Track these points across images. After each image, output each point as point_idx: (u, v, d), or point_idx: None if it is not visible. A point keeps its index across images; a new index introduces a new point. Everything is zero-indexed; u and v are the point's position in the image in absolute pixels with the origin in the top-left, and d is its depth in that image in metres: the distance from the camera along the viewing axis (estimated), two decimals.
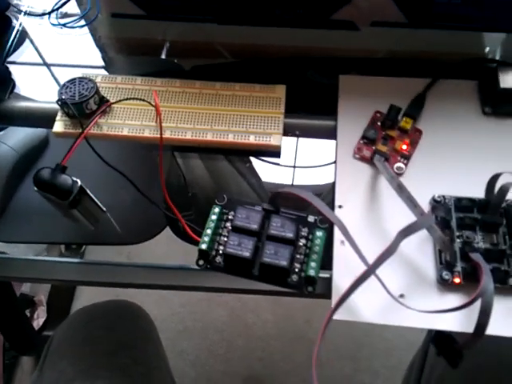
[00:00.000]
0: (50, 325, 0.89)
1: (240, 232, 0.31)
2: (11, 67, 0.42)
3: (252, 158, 0.40)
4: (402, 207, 0.30)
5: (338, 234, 0.31)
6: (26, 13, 0.45)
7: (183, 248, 0.35)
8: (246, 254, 0.30)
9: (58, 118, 0.36)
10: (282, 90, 0.37)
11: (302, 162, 0.38)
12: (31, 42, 0.45)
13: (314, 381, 0.26)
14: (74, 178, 0.30)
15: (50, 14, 0.44)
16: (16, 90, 0.41)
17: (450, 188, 0.32)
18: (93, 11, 0.43)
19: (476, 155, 0.34)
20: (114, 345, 0.47)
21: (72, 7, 0.45)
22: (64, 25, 0.43)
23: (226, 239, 0.31)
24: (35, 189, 0.30)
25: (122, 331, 0.49)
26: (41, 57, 0.44)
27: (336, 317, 0.28)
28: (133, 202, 0.39)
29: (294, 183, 0.38)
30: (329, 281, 0.30)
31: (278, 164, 0.38)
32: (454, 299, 0.29)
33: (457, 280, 0.29)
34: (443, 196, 0.31)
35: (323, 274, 0.31)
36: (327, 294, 0.30)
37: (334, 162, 0.35)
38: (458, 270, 0.29)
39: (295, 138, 0.39)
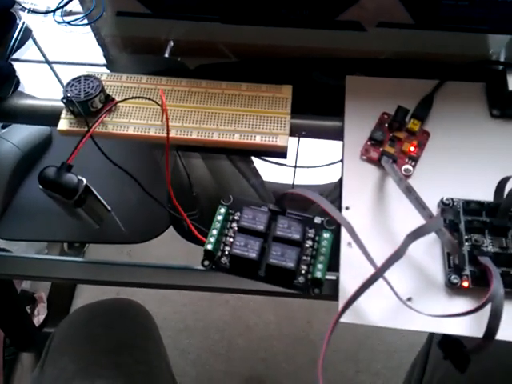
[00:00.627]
0: (50, 321, 0.90)
1: (246, 233, 0.30)
2: (15, 64, 0.42)
3: (253, 158, 0.40)
4: (409, 209, 0.29)
5: (345, 236, 0.31)
6: (30, 10, 0.45)
7: (185, 247, 0.35)
8: (253, 255, 0.29)
9: (62, 116, 0.36)
10: (289, 91, 0.37)
11: (303, 161, 0.38)
12: (34, 40, 0.44)
13: None
14: (80, 177, 0.29)
15: (54, 11, 0.44)
16: (20, 88, 0.41)
17: (458, 191, 0.32)
18: (97, 10, 0.43)
19: (484, 158, 0.33)
20: (115, 343, 0.47)
21: (76, 5, 0.45)
22: (68, 23, 0.42)
23: (231, 240, 0.31)
24: (40, 187, 0.30)
25: (123, 330, 0.49)
26: (43, 55, 0.44)
27: (343, 319, 0.28)
28: (136, 201, 0.39)
29: (296, 183, 0.38)
30: (335, 283, 0.30)
31: (279, 164, 0.38)
32: (463, 303, 0.28)
33: (465, 284, 0.28)
34: (452, 199, 0.31)
35: (329, 276, 0.30)
36: (334, 296, 0.30)
37: (341, 162, 0.34)
38: (466, 274, 0.29)
39: (297, 138, 0.39)
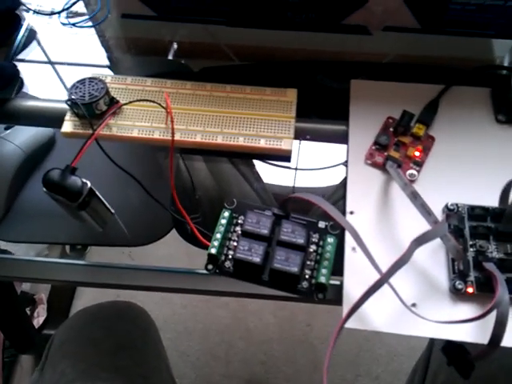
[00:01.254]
0: (50, 323, 0.89)
1: (250, 237, 0.30)
2: (19, 65, 0.41)
3: (259, 162, 0.40)
4: (414, 215, 0.29)
5: (349, 241, 0.31)
6: (35, 11, 0.45)
7: (186, 249, 0.34)
8: (257, 259, 0.29)
9: (66, 118, 0.35)
10: (294, 94, 0.37)
11: (305, 163, 0.38)
12: (38, 42, 0.44)
13: None
14: (84, 180, 0.29)
15: (59, 13, 0.44)
16: (24, 89, 0.41)
17: (463, 196, 0.31)
18: (102, 12, 0.43)
19: (489, 163, 0.33)
20: (115, 346, 0.47)
21: (81, 7, 0.45)
22: (74, 24, 0.42)
23: (235, 244, 0.31)
24: (44, 190, 0.30)
25: (123, 332, 0.49)
26: (47, 56, 0.44)
27: (347, 325, 0.28)
28: (139, 203, 0.39)
29: (297, 185, 0.38)
30: (339, 288, 0.30)
31: (281, 166, 0.38)
32: (467, 309, 0.28)
33: (470, 290, 0.28)
34: (456, 204, 0.31)
35: (333, 281, 0.30)
36: (337, 301, 0.30)
37: (343, 165, 0.34)
38: (471, 280, 0.28)
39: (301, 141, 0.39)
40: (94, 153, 0.34)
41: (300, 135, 0.36)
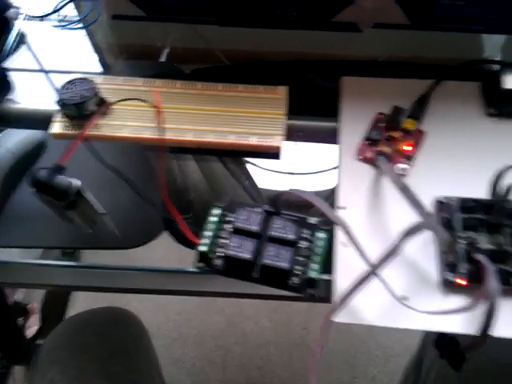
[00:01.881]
0: (43, 333, 0.88)
1: (241, 234, 0.30)
2: (9, 69, 0.41)
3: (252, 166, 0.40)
4: (405, 208, 0.29)
5: (340, 236, 0.31)
6: (25, 15, 0.45)
7: (180, 253, 0.34)
8: (247, 255, 0.29)
9: (55, 119, 0.35)
10: (285, 91, 0.37)
11: (299, 168, 0.38)
12: (28, 46, 0.44)
13: None
14: (71, 179, 0.29)
15: (49, 15, 0.44)
16: (13, 93, 0.40)
17: (453, 189, 0.32)
18: (93, 14, 0.43)
19: (480, 156, 0.34)
20: (106, 352, 0.46)
21: (72, 10, 0.45)
22: (64, 26, 0.42)
23: (226, 241, 0.30)
24: (31, 189, 0.30)
25: (114, 338, 0.48)
26: (37, 61, 0.44)
27: (337, 319, 0.28)
28: (131, 205, 0.39)
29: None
30: (330, 284, 0.30)
31: (275, 171, 0.38)
32: (458, 301, 0.28)
33: (461, 281, 0.28)
34: (447, 197, 0.31)
35: (325, 277, 0.30)
36: (329, 298, 0.29)
37: (337, 167, 0.34)
38: (462, 272, 0.28)
39: (294, 145, 0.39)
40: (87, 154, 0.34)
41: (291, 132, 0.36)
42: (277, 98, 0.36)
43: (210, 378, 0.87)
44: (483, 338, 0.25)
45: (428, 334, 0.49)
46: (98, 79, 0.36)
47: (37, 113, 0.38)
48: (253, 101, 0.36)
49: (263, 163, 0.39)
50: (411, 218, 0.29)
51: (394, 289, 0.28)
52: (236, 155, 0.38)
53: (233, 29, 0.42)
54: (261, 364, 0.88)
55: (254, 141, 0.35)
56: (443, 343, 0.29)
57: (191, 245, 0.31)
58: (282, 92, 0.37)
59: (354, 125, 0.35)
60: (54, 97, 0.35)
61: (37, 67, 0.43)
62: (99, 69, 0.45)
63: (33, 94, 0.41)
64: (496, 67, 0.36)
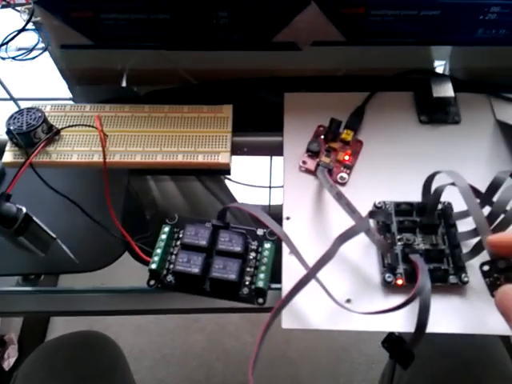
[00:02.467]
0: (21, 364, 0.87)
1: (189, 249, 0.31)
2: None
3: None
4: (343, 215, 0.31)
5: (285, 245, 0.32)
6: None
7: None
8: (195, 270, 0.30)
9: (7, 148, 0.36)
10: (229, 110, 0.38)
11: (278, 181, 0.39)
12: None
13: None
14: (19, 206, 0.30)
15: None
16: None
17: (391, 194, 0.33)
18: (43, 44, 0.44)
19: (414, 161, 0.35)
20: (79, 376, 0.46)
21: (23, 41, 0.46)
22: (14, 58, 0.43)
23: (176, 257, 0.31)
24: None
25: (87, 362, 0.48)
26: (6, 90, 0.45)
27: (284, 326, 0.29)
28: (91, 228, 0.39)
29: (273, 203, 0.39)
30: (280, 291, 0.31)
31: (252, 185, 0.39)
32: (399, 300, 0.29)
33: (399, 281, 0.30)
34: (384, 202, 0.32)
35: (276, 286, 0.31)
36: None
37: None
38: (400, 272, 0.30)
39: (268, 158, 0.40)
40: (50, 180, 0.35)
41: (237, 148, 0.38)
42: (223, 117, 0.38)
43: None
44: (420, 333, 0.27)
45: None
46: (47, 107, 0.37)
47: None
48: (200, 120, 0.38)
49: (241, 179, 0.40)
50: (350, 223, 0.30)
51: (337, 293, 0.29)
52: (187, 173, 0.39)
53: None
54: (244, 380, 0.88)
55: (201, 159, 0.36)
56: (390, 343, 0.30)
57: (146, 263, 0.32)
58: (227, 110, 0.38)
59: (297, 138, 0.37)
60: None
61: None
62: (55, 96, 0.45)
63: None
64: (426, 76, 0.38)
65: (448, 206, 0.32)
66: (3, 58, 0.44)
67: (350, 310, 0.28)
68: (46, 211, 0.36)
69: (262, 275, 0.30)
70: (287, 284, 0.31)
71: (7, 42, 0.44)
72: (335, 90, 0.40)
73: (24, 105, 0.42)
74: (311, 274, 0.26)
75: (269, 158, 0.40)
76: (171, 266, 0.31)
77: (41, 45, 0.47)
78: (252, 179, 0.40)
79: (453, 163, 0.35)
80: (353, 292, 0.30)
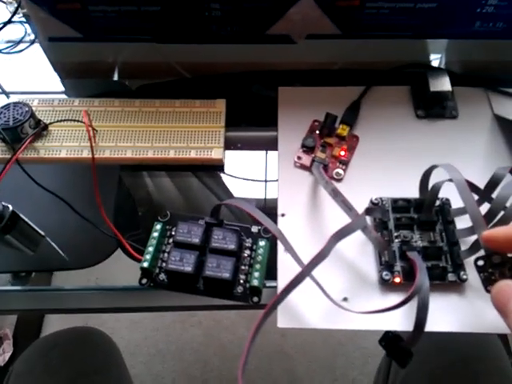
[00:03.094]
0: (16, 359, 0.86)
1: (182, 247, 0.30)
2: None
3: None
4: (339, 212, 0.30)
5: (280, 242, 0.31)
6: None
7: None
8: (188, 268, 0.29)
9: None
10: (222, 104, 0.37)
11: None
12: None
13: None
14: (5, 203, 0.29)
15: None
16: None
17: (387, 190, 0.33)
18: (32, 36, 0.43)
19: (411, 157, 0.35)
20: (74, 373, 0.46)
21: (12, 34, 0.45)
22: (0, 51, 0.42)
23: (168, 255, 0.31)
24: None
25: (83, 358, 0.48)
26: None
27: (280, 325, 0.28)
28: (83, 224, 0.38)
29: (268, 197, 0.38)
30: (276, 288, 0.30)
31: (248, 179, 0.38)
32: (396, 298, 0.29)
33: (397, 279, 0.29)
34: (380, 198, 0.32)
35: (270, 283, 0.31)
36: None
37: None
38: (397, 270, 0.29)
39: (263, 153, 0.39)
40: (43, 177, 0.34)
41: (231, 144, 0.37)
42: (216, 112, 0.37)
43: None
44: (419, 332, 0.26)
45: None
46: (34, 102, 0.36)
47: None
48: (192, 115, 0.37)
49: (237, 172, 0.40)
50: (347, 221, 0.29)
51: (334, 291, 0.28)
52: (180, 169, 0.38)
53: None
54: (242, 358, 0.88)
55: (193, 154, 0.35)
56: (387, 341, 0.29)
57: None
58: (220, 105, 0.37)
59: (292, 133, 0.36)
60: None
61: None
62: (45, 89, 0.44)
63: None
64: (423, 70, 0.38)
65: (446, 203, 0.31)
66: None
67: (346, 310, 0.27)
68: (35, 208, 0.35)
69: (256, 273, 0.30)
70: (283, 282, 0.30)
71: None
72: (330, 84, 0.39)
73: (14, 99, 0.42)
74: (305, 273, 0.25)
75: (264, 151, 0.40)
76: (163, 265, 0.31)
77: (30, 37, 0.46)
78: (247, 173, 0.39)
79: (450, 158, 0.34)
80: (349, 290, 0.29)
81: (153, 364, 0.90)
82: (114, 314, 0.95)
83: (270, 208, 0.36)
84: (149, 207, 0.41)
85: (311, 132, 0.36)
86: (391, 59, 0.41)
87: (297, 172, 0.34)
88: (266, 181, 0.38)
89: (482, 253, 0.27)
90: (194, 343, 0.91)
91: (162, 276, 0.31)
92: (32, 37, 0.46)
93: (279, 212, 0.33)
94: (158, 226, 0.32)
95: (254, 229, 0.32)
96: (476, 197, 0.29)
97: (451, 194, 0.31)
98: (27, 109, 0.34)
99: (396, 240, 0.30)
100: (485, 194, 0.29)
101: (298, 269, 0.28)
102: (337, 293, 0.29)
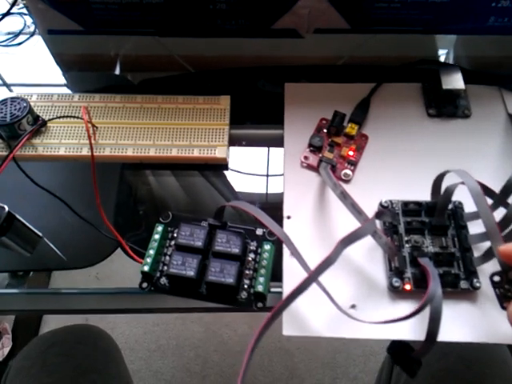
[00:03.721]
0: (15, 354, 0.86)
1: (184, 250, 0.29)
2: None
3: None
4: (348, 215, 0.29)
5: (286, 246, 0.30)
6: None
7: None
8: (191, 273, 0.28)
9: None
10: (227, 101, 0.36)
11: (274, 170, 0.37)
12: None
13: None
14: (0, 204, 0.28)
15: None
16: None
17: (397, 192, 0.31)
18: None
19: (422, 157, 0.33)
20: (73, 371, 0.45)
21: (11, 25, 0.44)
22: None
23: (170, 258, 0.30)
24: None
25: (81, 356, 0.47)
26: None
27: (285, 332, 0.27)
28: (82, 223, 0.37)
29: (269, 192, 0.37)
30: (281, 294, 0.29)
31: (250, 173, 0.37)
32: (406, 306, 0.28)
33: (407, 287, 0.28)
34: (390, 201, 0.30)
35: (275, 289, 0.30)
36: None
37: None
38: (408, 276, 0.28)
39: (266, 148, 0.38)
40: (44, 176, 0.33)
41: (235, 142, 0.36)
42: (220, 108, 0.36)
43: None
44: (431, 343, 0.25)
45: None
46: (32, 97, 0.35)
47: None
48: (195, 112, 0.36)
49: (240, 167, 0.39)
50: (356, 224, 0.28)
51: (342, 298, 0.27)
52: (183, 168, 0.37)
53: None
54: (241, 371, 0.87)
55: (197, 153, 0.34)
56: (396, 350, 0.28)
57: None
58: (224, 102, 0.36)
59: (298, 132, 0.34)
60: None
61: None
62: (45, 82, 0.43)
63: None
64: (436, 67, 0.36)
65: (459, 206, 0.30)
66: None
67: (355, 319, 0.26)
68: (32, 207, 0.34)
69: (261, 279, 0.29)
70: (288, 287, 0.29)
71: None
72: (338, 80, 0.38)
73: (14, 90, 0.40)
74: (311, 279, 0.24)
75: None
76: (165, 268, 0.30)
77: (30, 30, 0.44)
78: (249, 167, 0.38)
79: (463, 159, 0.33)
80: (358, 297, 0.28)
81: (153, 360, 0.89)
82: None
83: (272, 203, 0.35)
84: (149, 205, 0.40)
85: (318, 131, 0.35)
86: (397, 53, 0.40)
87: (303, 172, 0.33)
88: (267, 175, 0.37)
89: (495, 261, 0.26)
90: (195, 339, 0.91)
91: (164, 280, 0.30)
92: (32, 29, 0.44)
93: (285, 214, 0.32)
94: (160, 228, 0.31)
95: (259, 231, 0.31)
96: (490, 201, 0.28)
97: (463, 197, 0.29)
98: (25, 104, 0.33)
99: (406, 245, 0.29)
100: (500, 198, 0.28)
101: (303, 274, 0.27)
102: (344, 299, 0.28)
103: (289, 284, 0.29)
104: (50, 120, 0.34)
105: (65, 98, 0.36)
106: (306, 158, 0.33)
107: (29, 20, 0.45)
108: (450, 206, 0.30)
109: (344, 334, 0.27)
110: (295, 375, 0.88)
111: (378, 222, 0.30)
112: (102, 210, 0.31)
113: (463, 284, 0.28)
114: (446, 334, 0.27)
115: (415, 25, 0.38)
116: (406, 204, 0.30)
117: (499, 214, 0.27)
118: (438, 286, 0.25)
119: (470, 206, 0.29)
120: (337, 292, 0.27)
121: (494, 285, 0.23)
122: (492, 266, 0.28)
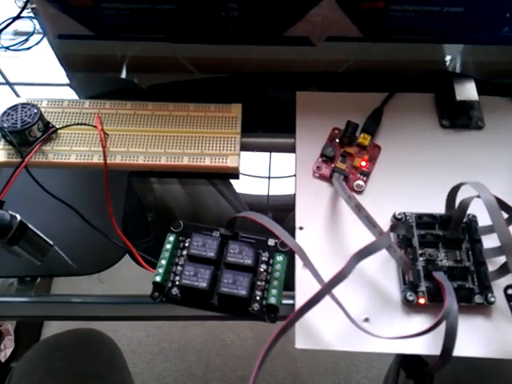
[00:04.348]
0: (18, 355, 0.86)
1: (196, 261, 0.29)
2: None
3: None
4: (362, 227, 0.29)
5: (299, 258, 0.30)
6: None
7: None
8: (203, 284, 0.28)
9: (0, 146, 0.34)
10: (238, 109, 0.36)
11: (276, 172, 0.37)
12: None
13: None
14: (13, 213, 0.28)
15: None
16: None
17: (411, 204, 0.31)
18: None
19: (435, 169, 0.33)
20: (76, 376, 0.45)
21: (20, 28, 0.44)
22: (8, 48, 0.40)
23: (181, 269, 0.29)
24: None
25: (85, 361, 0.47)
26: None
27: (298, 346, 0.27)
28: (91, 230, 0.37)
29: (271, 194, 0.37)
30: (293, 306, 0.29)
31: (253, 175, 0.37)
32: (421, 320, 0.28)
33: (422, 301, 0.28)
34: (404, 213, 0.30)
35: (287, 301, 0.29)
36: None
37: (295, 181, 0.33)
38: (422, 290, 0.28)
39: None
40: (51, 181, 0.32)
41: (246, 150, 0.35)
42: (231, 117, 0.36)
43: None
44: (446, 359, 0.25)
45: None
46: (43, 103, 0.35)
47: None
48: (207, 120, 0.35)
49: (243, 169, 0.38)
50: (369, 237, 0.28)
51: (355, 311, 0.27)
52: (193, 176, 0.37)
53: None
54: (243, 374, 0.87)
55: (208, 162, 0.34)
56: (409, 363, 0.28)
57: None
58: (236, 110, 0.36)
59: (310, 141, 0.34)
60: None
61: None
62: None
63: None
64: (449, 78, 0.36)
65: (473, 220, 0.30)
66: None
67: (370, 334, 0.26)
68: (43, 214, 0.34)
69: (274, 291, 0.28)
70: (301, 298, 0.29)
71: (0, 31, 0.41)
72: (348, 87, 0.38)
73: (21, 91, 0.40)
74: (324, 292, 0.24)
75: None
76: (176, 278, 0.29)
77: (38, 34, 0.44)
78: (255, 170, 0.37)
79: (476, 172, 0.33)
80: (371, 311, 0.28)
81: (155, 363, 0.89)
82: None
83: (277, 205, 0.35)
84: (158, 213, 0.40)
85: (331, 140, 0.34)
86: (414, 64, 0.40)
87: (315, 182, 0.33)
88: (269, 177, 0.37)
89: (511, 276, 0.26)
90: (197, 343, 0.90)
91: (175, 291, 0.29)
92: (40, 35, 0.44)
93: (297, 225, 0.31)
94: (172, 238, 0.30)
95: (271, 242, 0.31)
96: (505, 215, 0.28)
97: (478, 210, 0.29)
98: (36, 110, 0.33)
99: (420, 258, 0.29)
100: None
101: (316, 286, 0.27)
102: (358, 313, 0.28)
103: (301, 295, 0.29)
104: (60, 128, 0.34)
105: (75, 104, 0.36)
106: (318, 168, 0.33)
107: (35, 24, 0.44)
108: (464, 219, 0.30)
109: (357, 347, 0.27)
110: (298, 380, 0.87)
111: (392, 235, 0.30)
112: (114, 219, 0.30)
113: (478, 299, 0.27)
114: (459, 349, 0.26)
115: (428, 34, 0.38)
116: (419, 217, 0.30)
117: None
118: (454, 301, 0.25)
119: (483, 220, 0.29)
120: (350, 305, 0.27)
121: (509, 298, 0.23)
122: (507, 281, 0.28)
